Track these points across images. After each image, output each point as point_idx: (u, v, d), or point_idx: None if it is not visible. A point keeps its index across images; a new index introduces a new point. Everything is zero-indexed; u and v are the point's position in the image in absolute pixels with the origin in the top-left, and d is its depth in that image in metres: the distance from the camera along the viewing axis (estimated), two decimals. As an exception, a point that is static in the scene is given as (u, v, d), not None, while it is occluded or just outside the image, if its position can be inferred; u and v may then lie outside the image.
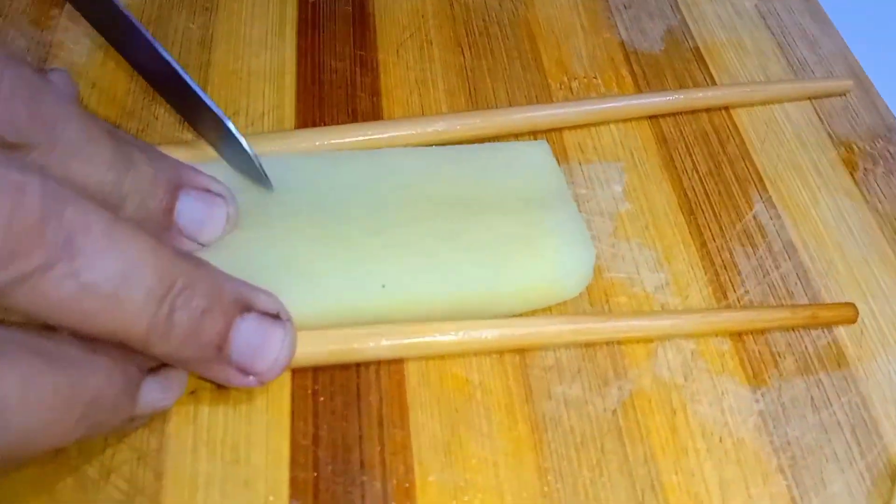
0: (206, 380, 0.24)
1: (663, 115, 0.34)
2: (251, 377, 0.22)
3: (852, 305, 0.28)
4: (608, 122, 0.33)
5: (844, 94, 0.36)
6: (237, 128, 0.27)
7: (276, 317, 0.23)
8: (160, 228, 0.24)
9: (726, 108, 0.34)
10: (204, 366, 0.22)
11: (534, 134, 0.33)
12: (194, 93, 0.28)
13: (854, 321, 0.28)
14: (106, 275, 0.19)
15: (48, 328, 0.20)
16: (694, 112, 0.34)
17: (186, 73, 0.28)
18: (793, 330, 0.28)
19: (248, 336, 0.22)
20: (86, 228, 0.18)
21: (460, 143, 0.32)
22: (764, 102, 0.35)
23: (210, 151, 0.29)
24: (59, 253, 0.18)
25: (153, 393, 0.22)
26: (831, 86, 0.36)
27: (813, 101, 0.35)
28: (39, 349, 0.19)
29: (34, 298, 0.18)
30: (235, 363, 0.22)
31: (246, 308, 0.22)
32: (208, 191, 0.25)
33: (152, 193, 0.23)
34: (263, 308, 0.22)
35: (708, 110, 0.34)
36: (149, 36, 0.27)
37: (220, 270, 0.22)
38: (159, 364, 0.23)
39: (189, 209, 0.24)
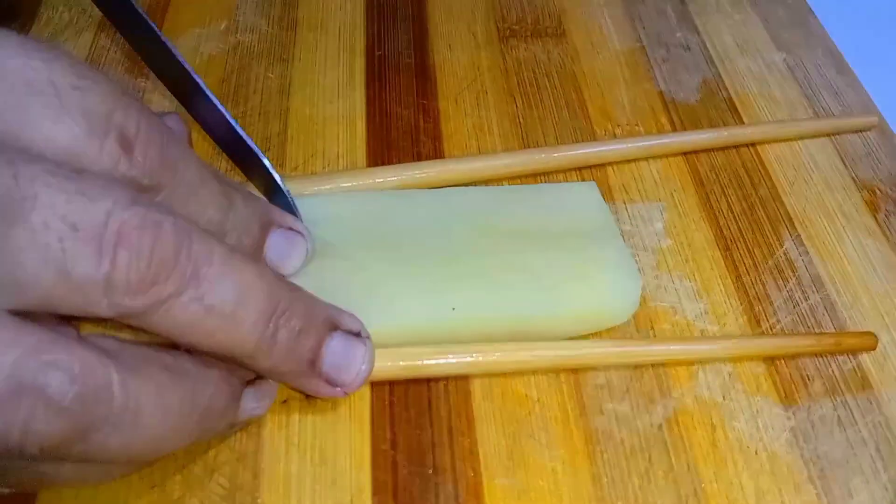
0: (297, 391, 0.27)
1: (697, 152, 0.37)
2: (338, 388, 0.25)
3: (872, 334, 0.30)
4: (647, 159, 0.37)
5: (870, 130, 0.39)
6: (279, 170, 0.30)
7: (358, 335, 0.25)
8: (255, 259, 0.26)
9: (758, 153, 0.37)
10: (298, 378, 0.25)
11: (579, 170, 0.36)
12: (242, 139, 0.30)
13: (874, 348, 0.30)
14: (226, 298, 0.21)
15: (169, 346, 0.22)
16: (726, 151, 0.37)
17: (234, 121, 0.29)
18: (821, 356, 0.30)
19: (336, 352, 0.25)
20: (209, 259, 0.21)
21: (513, 177, 0.35)
22: (795, 138, 0.38)
23: (295, 189, 0.32)
24: (188, 280, 0.20)
25: (250, 402, 0.25)
26: (857, 122, 0.39)
27: (838, 147, 0.38)
28: (165, 365, 0.22)
29: (167, 320, 0.20)
30: (325, 376, 0.25)
31: (334, 327, 0.25)
32: (292, 229, 0.28)
33: (248, 230, 0.26)
34: (348, 327, 0.25)
35: (740, 154, 0.37)
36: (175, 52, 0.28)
37: (312, 294, 0.25)
38: (255, 377, 0.26)
39: (277, 245, 0.27)
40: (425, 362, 0.28)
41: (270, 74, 0.39)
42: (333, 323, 0.25)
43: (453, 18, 0.43)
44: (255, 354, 0.23)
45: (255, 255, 0.27)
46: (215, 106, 0.28)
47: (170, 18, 0.42)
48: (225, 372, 0.24)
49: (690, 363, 0.30)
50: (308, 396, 0.28)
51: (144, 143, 0.22)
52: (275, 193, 0.30)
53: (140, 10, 0.27)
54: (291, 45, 0.41)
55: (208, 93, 0.28)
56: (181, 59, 0.28)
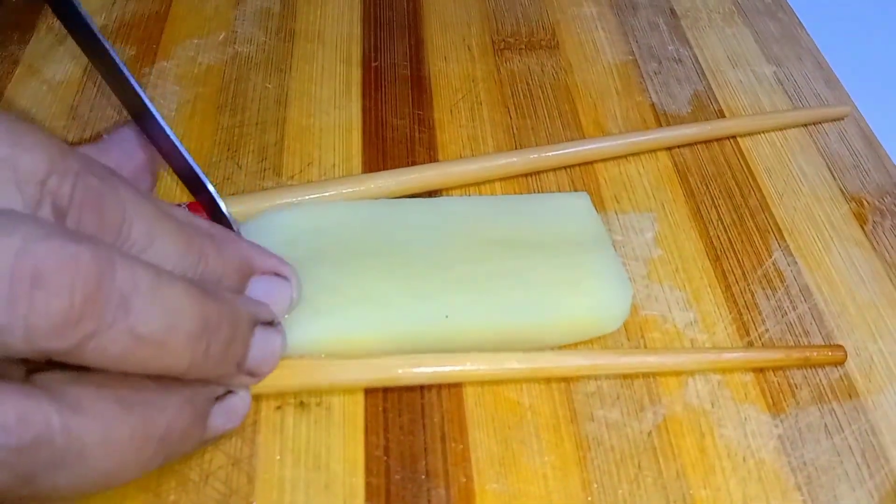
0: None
1: (681, 146, 0.38)
2: (257, 378, 0.26)
3: (842, 347, 0.31)
4: (634, 155, 0.38)
5: (842, 119, 0.41)
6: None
7: (271, 324, 0.26)
8: None
9: (748, 163, 0.38)
10: (223, 379, 0.25)
11: (569, 169, 0.37)
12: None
13: (843, 362, 0.31)
14: (155, 326, 0.20)
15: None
16: (715, 159, 0.38)
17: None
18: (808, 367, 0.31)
19: (259, 347, 0.25)
20: (135, 287, 0.20)
21: (505, 178, 0.36)
22: (771, 129, 0.40)
23: (291, 197, 0.33)
24: (116, 312, 0.19)
25: (219, 419, 0.25)
26: (830, 112, 0.41)
27: (827, 158, 0.39)
28: (119, 396, 0.21)
29: (98, 354, 0.19)
30: (248, 371, 0.25)
31: (255, 323, 0.25)
32: (276, 275, 0.27)
33: (221, 284, 0.25)
34: (266, 318, 0.25)
35: (728, 160, 0.38)
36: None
37: (232, 294, 0.25)
38: (225, 392, 0.25)
39: (256, 294, 0.26)
40: (418, 370, 0.28)
41: (268, 85, 0.40)
42: (254, 319, 0.25)
43: (449, 30, 0.44)
44: (189, 371, 0.22)
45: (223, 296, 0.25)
46: (164, 130, 0.27)
47: (168, 29, 0.43)
48: (189, 393, 0.24)
49: (680, 372, 0.30)
50: (301, 403, 0.28)
51: (79, 208, 0.20)
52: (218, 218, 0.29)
53: (94, 29, 0.26)
54: (289, 55, 0.41)
55: (156, 115, 0.27)
56: (131, 79, 0.27)
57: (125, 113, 0.36)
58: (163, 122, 0.27)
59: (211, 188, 0.28)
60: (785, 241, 0.35)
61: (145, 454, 0.22)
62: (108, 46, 0.26)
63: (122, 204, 0.22)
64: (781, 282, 0.34)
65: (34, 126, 0.21)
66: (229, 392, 0.26)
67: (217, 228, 0.26)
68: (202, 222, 0.26)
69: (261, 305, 0.25)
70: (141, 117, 0.28)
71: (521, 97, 0.40)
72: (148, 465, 0.22)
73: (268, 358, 0.25)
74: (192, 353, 0.22)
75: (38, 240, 0.18)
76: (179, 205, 0.31)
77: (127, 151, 0.28)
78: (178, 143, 0.27)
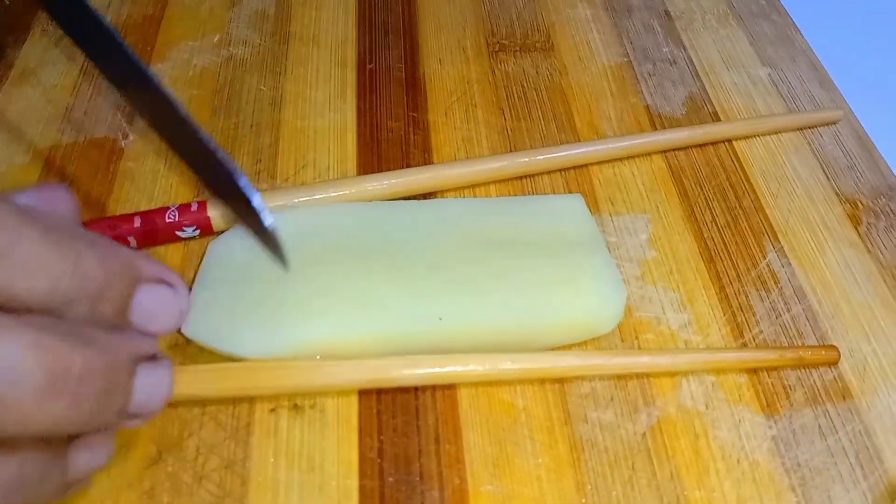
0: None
1: (675, 150, 0.38)
2: (142, 419, 0.23)
3: (835, 348, 0.31)
4: (629, 158, 0.38)
5: (835, 123, 0.41)
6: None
7: (154, 357, 0.23)
8: (113, 324, 0.23)
9: (742, 164, 0.38)
10: (107, 428, 0.23)
11: (563, 172, 0.37)
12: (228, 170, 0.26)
13: (836, 362, 0.31)
14: None
15: None
16: (709, 160, 0.38)
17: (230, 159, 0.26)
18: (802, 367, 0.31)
19: (143, 388, 0.22)
20: None
21: (499, 181, 0.36)
22: (764, 133, 0.40)
23: (286, 200, 0.33)
24: None
25: (83, 455, 0.23)
26: (823, 116, 0.41)
27: (821, 160, 0.39)
28: None
29: None
30: (132, 414, 0.22)
31: (137, 361, 0.22)
32: (163, 282, 0.24)
33: (105, 294, 0.22)
34: (148, 353, 0.23)
35: (722, 161, 0.38)
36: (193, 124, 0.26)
37: (108, 336, 0.22)
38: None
39: (140, 306, 0.23)
40: (412, 371, 0.28)
41: (263, 87, 0.40)
42: (136, 356, 0.23)
43: (444, 33, 0.44)
44: (58, 429, 0.20)
45: (116, 319, 0.23)
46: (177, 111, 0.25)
47: (163, 31, 0.43)
48: (35, 443, 0.21)
49: (674, 373, 0.30)
50: (295, 406, 0.28)
51: None
52: (237, 193, 0.26)
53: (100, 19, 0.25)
54: (284, 58, 0.41)
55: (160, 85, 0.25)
56: (137, 59, 0.25)
57: (119, 115, 0.37)
58: (175, 100, 0.25)
59: (232, 168, 0.26)
60: (779, 242, 0.35)
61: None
62: (111, 29, 0.25)
63: None
64: (775, 283, 0.34)
65: None
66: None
67: (102, 238, 0.23)
68: (87, 233, 0.23)
69: (142, 339, 0.23)
70: (148, 105, 0.26)
71: (516, 99, 0.40)
72: None
73: (154, 398, 0.23)
74: (50, 411, 0.19)
75: None
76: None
77: (55, 198, 0.25)
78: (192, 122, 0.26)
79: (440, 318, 0.29)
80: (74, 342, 0.20)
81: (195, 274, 0.31)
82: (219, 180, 0.26)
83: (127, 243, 0.32)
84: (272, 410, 0.28)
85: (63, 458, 0.22)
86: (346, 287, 0.29)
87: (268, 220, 0.26)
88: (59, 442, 0.22)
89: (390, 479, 0.27)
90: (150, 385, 0.23)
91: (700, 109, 0.41)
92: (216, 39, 0.42)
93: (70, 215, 0.24)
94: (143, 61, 0.25)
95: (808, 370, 0.31)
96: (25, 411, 0.19)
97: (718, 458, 0.28)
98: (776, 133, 0.40)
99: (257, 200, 0.26)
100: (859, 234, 0.36)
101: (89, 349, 0.20)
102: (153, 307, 0.23)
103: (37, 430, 0.19)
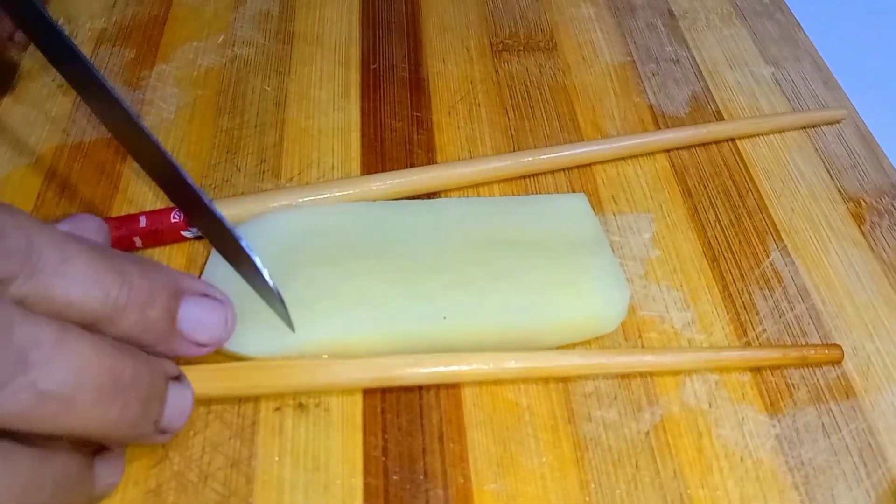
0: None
1: (679, 149, 0.38)
2: (167, 436, 0.25)
3: (838, 347, 0.31)
4: (632, 157, 0.38)
5: (839, 122, 0.41)
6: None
7: (178, 378, 0.25)
8: (163, 334, 0.25)
9: (745, 162, 0.38)
10: (143, 440, 0.25)
11: (567, 171, 0.37)
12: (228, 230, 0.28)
13: (840, 361, 0.31)
14: (60, 381, 0.20)
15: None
16: (712, 158, 0.38)
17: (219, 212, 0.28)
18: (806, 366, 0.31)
19: (174, 405, 0.25)
20: (36, 342, 0.20)
21: (503, 180, 0.36)
22: (767, 132, 0.40)
23: (290, 199, 0.33)
24: (13, 369, 0.19)
25: (104, 471, 0.25)
26: (826, 115, 0.41)
27: (824, 159, 0.39)
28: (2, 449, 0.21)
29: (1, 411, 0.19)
30: (162, 429, 0.25)
31: (171, 379, 0.25)
32: (207, 296, 0.26)
33: (152, 304, 0.24)
34: (174, 374, 0.25)
35: (725, 160, 0.38)
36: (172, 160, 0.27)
37: (144, 356, 0.24)
38: (99, 446, 0.25)
39: (190, 314, 0.25)
40: (417, 370, 0.29)
41: (267, 87, 0.40)
42: (169, 375, 0.25)
43: (447, 33, 0.44)
44: (105, 434, 0.22)
45: (166, 328, 0.25)
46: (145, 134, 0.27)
47: (168, 32, 0.43)
48: (68, 444, 0.23)
49: (677, 372, 0.30)
50: (300, 405, 0.29)
51: None
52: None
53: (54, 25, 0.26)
54: (288, 58, 0.42)
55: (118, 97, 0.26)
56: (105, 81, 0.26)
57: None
58: (143, 126, 0.27)
59: (190, 180, 0.28)
60: (783, 241, 0.35)
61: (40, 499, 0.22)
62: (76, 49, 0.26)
63: (25, 231, 0.21)
64: (779, 282, 0.34)
65: None
66: (104, 447, 0.25)
67: (142, 257, 0.26)
68: (129, 254, 0.25)
69: (168, 362, 0.25)
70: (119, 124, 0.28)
71: (520, 98, 0.40)
72: None
73: (181, 414, 0.25)
74: (106, 413, 0.21)
75: None
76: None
77: (88, 227, 0.27)
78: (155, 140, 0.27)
79: (444, 317, 0.29)
80: (122, 352, 0.22)
81: (200, 274, 0.31)
82: (222, 242, 0.29)
83: (133, 243, 0.32)
84: (277, 409, 0.28)
85: (92, 469, 0.24)
86: (351, 287, 0.30)
87: (270, 281, 0.28)
88: (88, 453, 0.24)
89: (395, 478, 0.27)
90: (177, 399, 0.25)
91: (703, 109, 0.41)
92: (220, 40, 0.42)
93: (103, 241, 0.27)
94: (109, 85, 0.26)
95: (811, 369, 0.31)
96: (87, 412, 0.21)
97: (722, 457, 0.28)
98: (780, 132, 0.40)
99: (258, 262, 0.28)
100: (863, 233, 0.36)
101: (135, 359, 0.23)
102: (199, 316, 0.26)
103: (94, 430, 0.21)
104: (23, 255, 0.21)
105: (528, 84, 0.41)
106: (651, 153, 0.38)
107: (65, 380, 0.20)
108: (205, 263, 0.31)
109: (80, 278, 0.22)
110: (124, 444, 0.26)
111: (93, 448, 0.25)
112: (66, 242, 0.22)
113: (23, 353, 0.19)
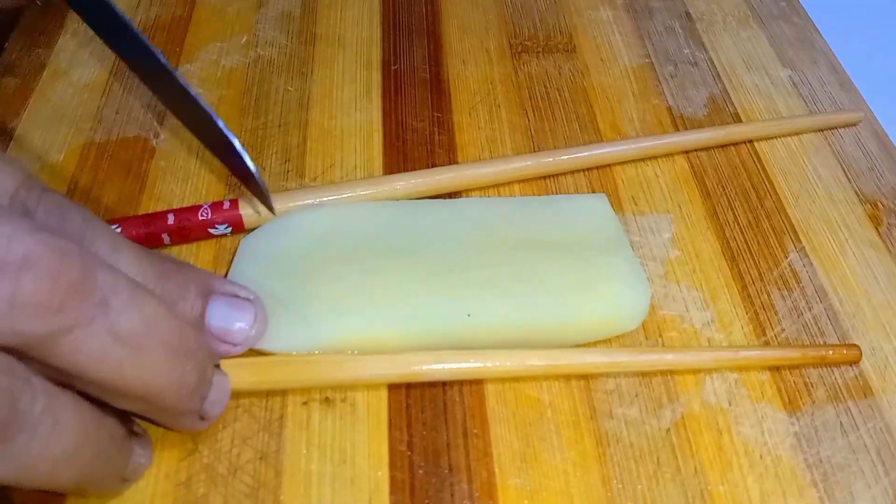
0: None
1: (698, 150, 0.39)
2: (206, 423, 0.27)
3: (857, 347, 0.31)
4: (651, 159, 0.38)
5: (856, 125, 0.41)
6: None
7: (217, 366, 0.27)
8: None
9: (763, 165, 0.38)
10: (188, 416, 0.25)
11: (587, 172, 0.37)
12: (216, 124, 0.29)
13: (858, 361, 0.31)
14: (134, 328, 0.21)
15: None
16: (730, 161, 0.38)
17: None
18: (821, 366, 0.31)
19: (214, 390, 0.26)
20: (115, 289, 0.21)
21: (523, 180, 0.37)
22: (785, 134, 0.40)
23: (314, 198, 0.34)
24: (96, 309, 0.20)
25: (137, 450, 0.26)
26: (843, 118, 0.41)
27: (842, 161, 0.39)
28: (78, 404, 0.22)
29: (73, 349, 0.20)
30: (203, 412, 0.26)
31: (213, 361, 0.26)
32: (236, 296, 0.28)
33: (184, 298, 0.26)
34: (216, 361, 0.27)
35: (743, 161, 0.38)
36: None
37: (195, 327, 0.25)
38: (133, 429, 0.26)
39: (218, 312, 0.27)
40: (441, 366, 0.29)
41: (290, 87, 0.41)
42: (213, 356, 0.26)
43: (467, 34, 0.44)
44: (161, 395, 0.23)
45: (195, 324, 0.26)
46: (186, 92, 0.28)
47: (191, 32, 0.43)
48: (116, 416, 0.24)
49: (697, 371, 0.31)
50: (326, 399, 0.29)
51: (45, 212, 0.22)
52: (250, 183, 0.31)
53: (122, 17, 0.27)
54: (310, 59, 0.42)
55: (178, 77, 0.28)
56: (159, 54, 0.27)
57: (150, 115, 0.37)
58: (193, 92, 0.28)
59: (242, 152, 0.29)
60: (800, 242, 0.35)
61: (85, 456, 0.22)
62: (133, 28, 0.28)
63: (84, 218, 0.23)
64: (797, 282, 0.34)
65: (3, 154, 0.23)
66: (135, 432, 0.26)
67: (176, 259, 0.27)
68: (164, 253, 0.27)
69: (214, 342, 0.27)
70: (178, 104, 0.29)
71: (539, 100, 0.41)
72: (80, 472, 0.23)
73: (220, 400, 0.26)
74: (169, 372, 0.22)
75: (27, 231, 0.19)
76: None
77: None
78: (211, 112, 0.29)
79: (468, 315, 0.29)
80: (191, 326, 0.24)
81: (227, 271, 0.32)
82: (206, 133, 0.30)
83: (161, 240, 0.32)
84: (304, 404, 0.29)
85: (129, 446, 0.25)
86: (375, 284, 0.30)
87: (252, 166, 0.29)
88: (129, 431, 0.25)
89: (420, 472, 0.28)
90: (219, 385, 0.26)
91: (721, 111, 0.41)
92: (243, 41, 0.43)
93: None
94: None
95: (829, 368, 0.31)
96: (153, 366, 0.22)
97: (741, 454, 0.29)
98: (797, 134, 0.40)
99: (238, 145, 0.29)
100: (880, 235, 0.36)
101: (196, 332, 0.24)
102: (228, 314, 0.27)
103: (154, 387, 0.22)
104: (79, 239, 0.23)
105: (548, 85, 0.42)
106: (670, 154, 0.38)
107: (138, 329, 0.21)
108: (231, 260, 0.32)
109: (126, 265, 0.23)
110: (168, 423, 0.26)
111: (131, 428, 0.26)
112: (115, 234, 0.24)
113: (105, 297, 0.20)
